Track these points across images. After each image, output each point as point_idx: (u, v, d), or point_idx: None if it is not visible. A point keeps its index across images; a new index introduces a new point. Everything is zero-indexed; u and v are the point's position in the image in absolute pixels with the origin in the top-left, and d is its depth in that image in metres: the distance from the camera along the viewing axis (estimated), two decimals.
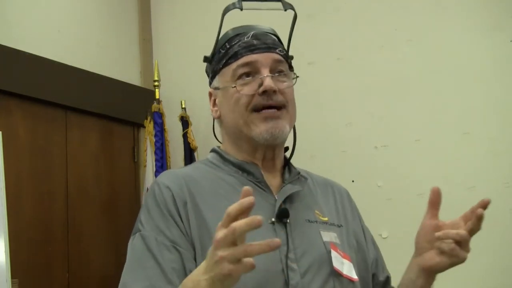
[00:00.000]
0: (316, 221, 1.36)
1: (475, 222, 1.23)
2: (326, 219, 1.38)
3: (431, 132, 3.15)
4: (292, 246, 1.28)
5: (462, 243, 1.24)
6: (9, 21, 3.14)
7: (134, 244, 1.28)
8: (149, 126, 3.67)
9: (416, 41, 3.24)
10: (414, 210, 3.07)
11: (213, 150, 1.45)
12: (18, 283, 2.85)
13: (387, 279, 1.46)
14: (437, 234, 1.25)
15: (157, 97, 3.72)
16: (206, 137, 3.69)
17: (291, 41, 1.48)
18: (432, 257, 1.28)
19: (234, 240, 1.01)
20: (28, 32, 3.21)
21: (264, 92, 1.33)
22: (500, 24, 3.06)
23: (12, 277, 2.49)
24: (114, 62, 3.75)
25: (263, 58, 1.35)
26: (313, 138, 3.31)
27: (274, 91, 1.33)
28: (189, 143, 3.65)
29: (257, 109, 1.34)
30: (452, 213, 3.41)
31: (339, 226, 1.40)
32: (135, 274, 1.24)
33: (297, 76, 1.41)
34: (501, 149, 2.99)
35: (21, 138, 3.11)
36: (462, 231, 1.24)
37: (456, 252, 1.24)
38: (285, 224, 1.30)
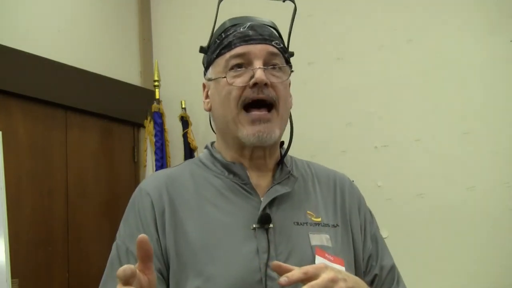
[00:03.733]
0: (307, 223, 1.29)
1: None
2: (319, 219, 1.31)
3: (431, 132, 3.14)
4: (274, 253, 1.22)
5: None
6: (9, 21, 3.14)
7: (111, 253, 1.30)
8: (149, 126, 3.67)
9: (416, 41, 3.23)
10: (414, 210, 3.11)
11: (206, 147, 1.41)
12: (18, 283, 2.85)
13: (374, 277, 1.36)
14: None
15: (157, 97, 3.73)
16: (206, 137, 3.68)
17: (291, 36, 1.42)
18: None
19: None
20: (28, 32, 3.21)
21: (255, 84, 1.27)
22: (500, 24, 3.06)
23: (12, 277, 2.49)
24: (114, 62, 3.75)
25: (257, 50, 1.29)
26: (313, 138, 3.30)
27: (266, 84, 1.27)
28: (189, 143, 3.65)
29: (247, 105, 1.28)
30: (452, 213, 3.39)
31: (335, 226, 1.33)
32: (106, 285, 1.26)
33: (292, 71, 1.35)
34: (501, 149, 2.99)
35: (21, 138, 3.11)
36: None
37: None
38: (267, 230, 1.24)
